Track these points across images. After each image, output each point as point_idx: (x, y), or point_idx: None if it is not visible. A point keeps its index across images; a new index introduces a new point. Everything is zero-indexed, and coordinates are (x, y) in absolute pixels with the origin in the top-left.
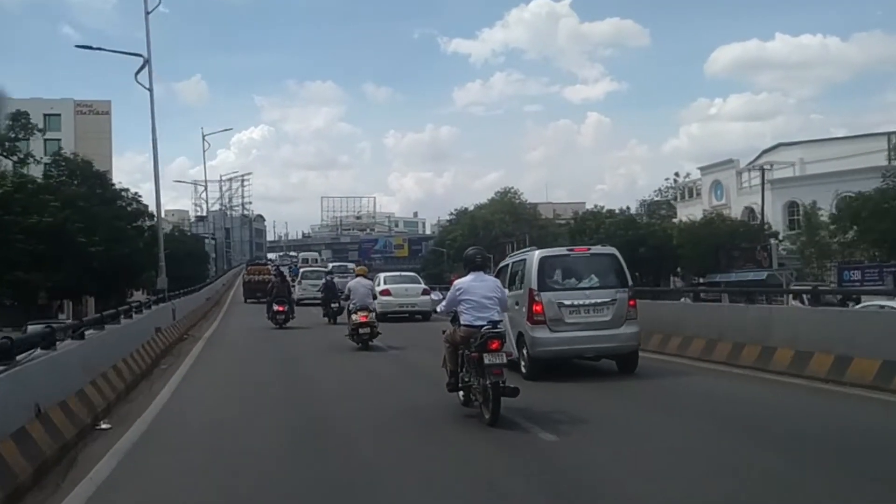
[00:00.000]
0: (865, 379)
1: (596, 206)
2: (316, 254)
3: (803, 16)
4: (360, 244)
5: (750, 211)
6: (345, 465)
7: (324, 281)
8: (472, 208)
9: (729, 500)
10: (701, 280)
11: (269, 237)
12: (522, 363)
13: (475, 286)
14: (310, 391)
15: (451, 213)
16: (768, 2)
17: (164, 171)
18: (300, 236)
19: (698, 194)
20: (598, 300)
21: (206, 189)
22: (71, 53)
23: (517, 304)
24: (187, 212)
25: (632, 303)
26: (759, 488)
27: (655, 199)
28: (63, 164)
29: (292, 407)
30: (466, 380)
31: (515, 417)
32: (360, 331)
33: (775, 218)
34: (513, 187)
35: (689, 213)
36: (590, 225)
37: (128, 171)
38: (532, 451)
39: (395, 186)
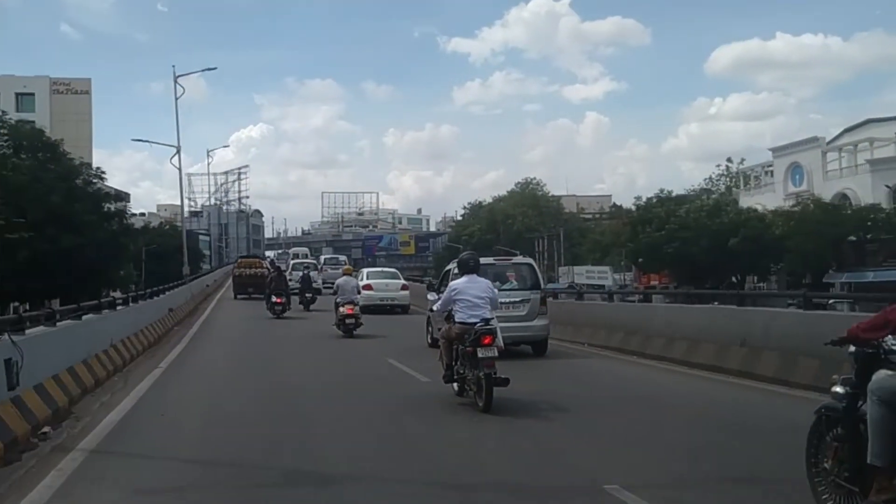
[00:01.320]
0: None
1: (662, 190)
2: (306, 249)
3: (805, 15)
4: (363, 241)
5: (842, 197)
6: (348, 452)
7: (301, 274)
8: (489, 200)
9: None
10: (773, 280)
11: (268, 234)
12: None
13: (469, 287)
14: (304, 383)
15: (465, 207)
16: (770, 1)
17: (162, 169)
18: (300, 233)
19: (761, 182)
20: (516, 298)
21: (178, 152)
22: (70, 48)
23: None
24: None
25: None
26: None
27: (705, 188)
28: (4, 131)
29: (289, 400)
30: (461, 372)
31: (504, 403)
32: (346, 321)
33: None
34: (535, 178)
35: (756, 202)
36: (658, 213)
37: (127, 170)
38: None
39: (394, 185)
